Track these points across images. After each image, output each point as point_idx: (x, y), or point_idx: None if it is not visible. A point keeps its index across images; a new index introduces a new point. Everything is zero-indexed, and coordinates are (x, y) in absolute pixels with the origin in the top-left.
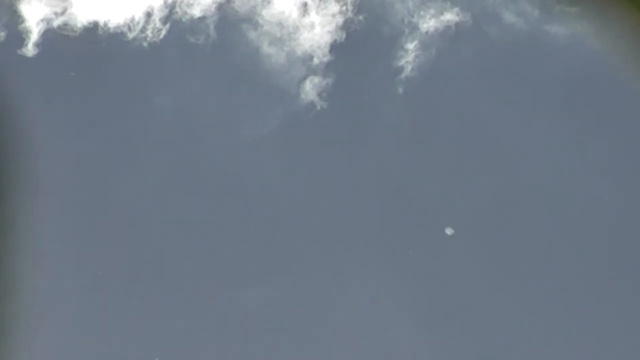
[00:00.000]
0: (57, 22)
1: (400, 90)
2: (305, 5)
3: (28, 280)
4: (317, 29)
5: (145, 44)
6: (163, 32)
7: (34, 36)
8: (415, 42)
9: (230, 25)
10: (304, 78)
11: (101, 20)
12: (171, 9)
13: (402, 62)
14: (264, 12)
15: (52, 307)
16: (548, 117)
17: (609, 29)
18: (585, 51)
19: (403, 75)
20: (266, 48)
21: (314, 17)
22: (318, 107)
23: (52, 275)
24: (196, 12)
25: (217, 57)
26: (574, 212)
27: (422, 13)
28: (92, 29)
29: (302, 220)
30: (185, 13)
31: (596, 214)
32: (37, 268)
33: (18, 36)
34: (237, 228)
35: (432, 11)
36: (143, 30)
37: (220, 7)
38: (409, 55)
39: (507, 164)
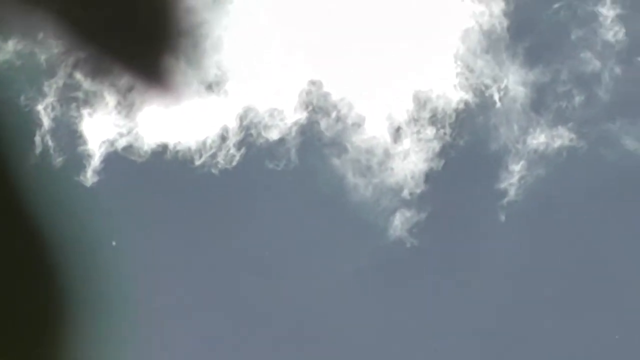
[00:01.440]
0: (121, 144)
1: (503, 218)
2: (398, 130)
3: None
4: (412, 157)
5: (215, 170)
6: (237, 158)
7: (95, 161)
8: (520, 171)
9: (314, 151)
10: (394, 211)
11: (171, 142)
12: (246, 131)
13: (506, 196)
14: (353, 138)
15: None
16: None
17: None
18: None
19: (506, 202)
20: (352, 177)
21: (407, 143)
22: (408, 245)
23: None
24: (274, 135)
25: (298, 185)
26: None
27: (528, 139)
28: (160, 152)
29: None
30: (261, 136)
31: None
32: None
33: (77, 161)
34: None
35: (542, 136)
36: (214, 155)
37: (302, 130)
38: (514, 187)
39: (625, 305)
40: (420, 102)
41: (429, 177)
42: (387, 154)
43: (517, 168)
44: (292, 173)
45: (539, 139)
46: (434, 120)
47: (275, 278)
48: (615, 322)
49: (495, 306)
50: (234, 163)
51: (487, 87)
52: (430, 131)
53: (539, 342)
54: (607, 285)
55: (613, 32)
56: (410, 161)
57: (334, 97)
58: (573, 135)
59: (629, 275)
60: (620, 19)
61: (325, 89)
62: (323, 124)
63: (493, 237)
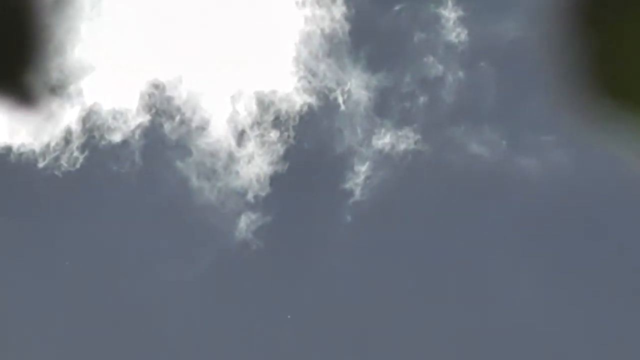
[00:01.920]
0: None
1: (349, 218)
2: (242, 133)
3: None
4: (256, 160)
5: (58, 172)
6: (80, 160)
7: None
8: (364, 174)
9: (158, 154)
10: (239, 214)
11: (15, 145)
12: (89, 133)
13: (351, 196)
14: (198, 141)
15: None
16: (514, 254)
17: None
18: (558, 184)
19: (352, 203)
20: (197, 181)
21: (251, 147)
22: (253, 247)
23: None
24: (117, 137)
25: (142, 188)
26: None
27: (372, 144)
28: (4, 155)
29: None
30: (104, 138)
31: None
32: None
33: None
34: None
35: (387, 141)
36: (57, 158)
37: (145, 133)
38: (359, 187)
39: (468, 302)
40: (264, 105)
41: (274, 180)
42: (232, 158)
43: (362, 169)
44: (136, 175)
45: (384, 140)
46: (277, 123)
47: (120, 281)
48: (452, 319)
49: (340, 307)
50: (77, 166)
51: (330, 90)
52: (274, 134)
53: (380, 341)
54: (449, 286)
55: (455, 34)
56: (255, 164)
57: (177, 100)
58: (418, 136)
59: (472, 275)
60: (462, 21)
61: (169, 92)
62: (167, 127)
63: (339, 237)
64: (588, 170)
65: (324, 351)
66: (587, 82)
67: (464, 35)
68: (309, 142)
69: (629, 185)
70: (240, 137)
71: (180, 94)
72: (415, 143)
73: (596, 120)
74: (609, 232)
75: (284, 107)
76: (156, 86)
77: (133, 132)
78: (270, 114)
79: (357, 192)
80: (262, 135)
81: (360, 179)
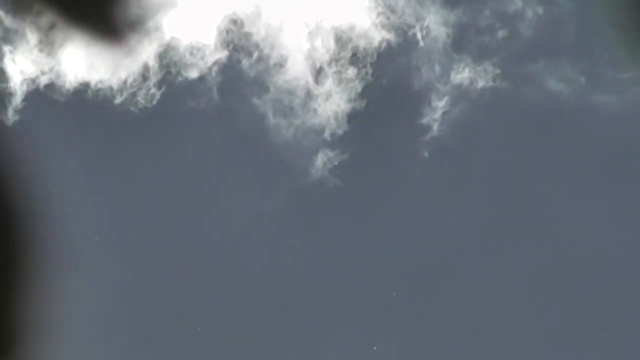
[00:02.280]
0: (43, 82)
1: (426, 154)
2: (320, 70)
3: None
4: (334, 98)
5: (134, 108)
6: (157, 97)
7: (16, 100)
8: (442, 109)
9: (236, 90)
10: (316, 152)
11: (93, 80)
12: (167, 69)
13: (428, 132)
14: (275, 78)
15: None
16: (587, 189)
17: None
18: (638, 122)
19: (429, 138)
20: (273, 118)
21: (329, 84)
22: (330, 185)
23: None
24: (194, 74)
25: (220, 124)
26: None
27: (451, 79)
28: (82, 90)
29: (304, 302)
30: (180, 74)
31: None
32: None
33: None
34: (237, 308)
35: (465, 76)
36: (134, 94)
37: (223, 70)
38: (437, 123)
39: (543, 236)
40: (342, 41)
41: (352, 117)
42: (310, 95)
43: (440, 104)
44: (213, 112)
45: (462, 74)
46: (355, 60)
47: (196, 215)
48: (529, 258)
49: (419, 246)
50: (154, 102)
51: (409, 26)
52: (352, 71)
53: (464, 285)
54: (529, 224)
55: None
56: (333, 102)
57: (256, 36)
58: (498, 71)
59: (549, 213)
60: None
61: (247, 28)
62: (244, 63)
63: (416, 173)
64: None
65: (397, 292)
66: None
67: None
68: (387, 79)
69: None
70: (318, 74)
71: (258, 30)
72: (494, 79)
73: None
74: None
75: (361, 43)
76: (234, 22)
77: (210, 68)
78: (348, 50)
79: (435, 128)
80: (339, 72)
81: (438, 114)
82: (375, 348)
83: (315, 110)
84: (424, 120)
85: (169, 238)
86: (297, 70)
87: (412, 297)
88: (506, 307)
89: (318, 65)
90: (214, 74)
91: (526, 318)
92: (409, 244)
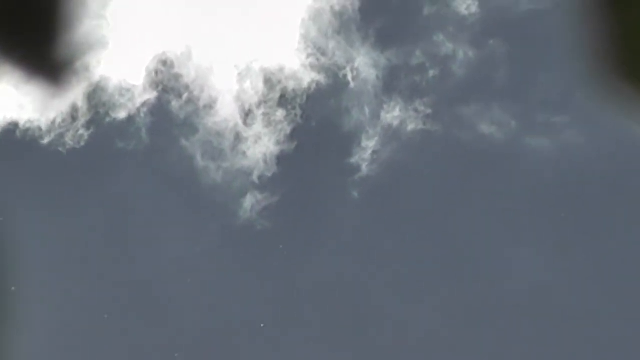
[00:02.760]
0: None
1: (356, 194)
2: (249, 112)
3: None
4: (263, 140)
5: (62, 149)
6: (85, 137)
7: None
8: (372, 149)
9: (165, 132)
10: (244, 194)
11: (21, 120)
12: (95, 109)
13: (358, 172)
14: (205, 120)
15: None
16: (524, 236)
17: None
18: (569, 165)
19: (358, 178)
20: (201, 161)
21: (258, 126)
22: (258, 227)
23: None
24: (122, 114)
25: (149, 165)
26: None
27: (381, 120)
28: (11, 130)
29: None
30: (109, 115)
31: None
32: None
33: None
34: (170, 350)
35: (396, 115)
36: (62, 135)
37: (152, 111)
38: (366, 163)
39: (472, 277)
40: (271, 83)
41: (281, 159)
42: (239, 138)
43: (370, 144)
44: (142, 154)
45: (393, 113)
46: (284, 101)
47: (124, 258)
48: (459, 298)
49: (347, 284)
50: (82, 143)
51: (339, 68)
52: (280, 113)
53: (394, 327)
54: (458, 261)
55: (466, 6)
56: (262, 144)
57: (185, 78)
58: (429, 111)
59: (477, 251)
60: None
61: (177, 69)
62: (174, 104)
63: (345, 214)
64: (601, 151)
65: (331, 330)
66: (604, 60)
67: (474, 8)
68: (317, 120)
69: None
70: (247, 116)
71: (188, 71)
72: (424, 121)
73: (612, 100)
74: (622, 215)
75: (291, 85)
76: (164, 62)
77: (139, 109)
78: (276, 92)
79: (364, 167)
80: (268, 114)
81: (368, 154)
82: None
83: (244, 153)
84: (353, 160)
85: (93, 282)
86: (226, 112)
87: (340, 337)
88: (436, 347)
89: (247, 107)
90: (142, 115)
91: (458, 357)
92: (339, 285)
